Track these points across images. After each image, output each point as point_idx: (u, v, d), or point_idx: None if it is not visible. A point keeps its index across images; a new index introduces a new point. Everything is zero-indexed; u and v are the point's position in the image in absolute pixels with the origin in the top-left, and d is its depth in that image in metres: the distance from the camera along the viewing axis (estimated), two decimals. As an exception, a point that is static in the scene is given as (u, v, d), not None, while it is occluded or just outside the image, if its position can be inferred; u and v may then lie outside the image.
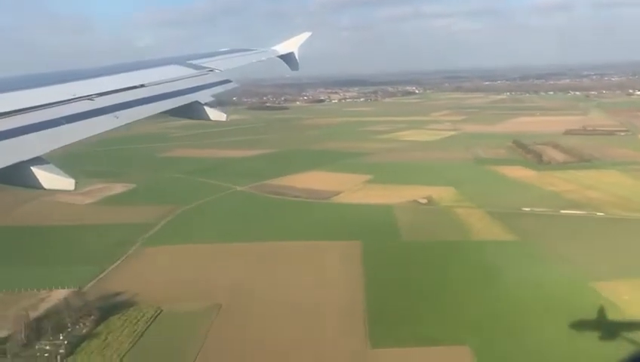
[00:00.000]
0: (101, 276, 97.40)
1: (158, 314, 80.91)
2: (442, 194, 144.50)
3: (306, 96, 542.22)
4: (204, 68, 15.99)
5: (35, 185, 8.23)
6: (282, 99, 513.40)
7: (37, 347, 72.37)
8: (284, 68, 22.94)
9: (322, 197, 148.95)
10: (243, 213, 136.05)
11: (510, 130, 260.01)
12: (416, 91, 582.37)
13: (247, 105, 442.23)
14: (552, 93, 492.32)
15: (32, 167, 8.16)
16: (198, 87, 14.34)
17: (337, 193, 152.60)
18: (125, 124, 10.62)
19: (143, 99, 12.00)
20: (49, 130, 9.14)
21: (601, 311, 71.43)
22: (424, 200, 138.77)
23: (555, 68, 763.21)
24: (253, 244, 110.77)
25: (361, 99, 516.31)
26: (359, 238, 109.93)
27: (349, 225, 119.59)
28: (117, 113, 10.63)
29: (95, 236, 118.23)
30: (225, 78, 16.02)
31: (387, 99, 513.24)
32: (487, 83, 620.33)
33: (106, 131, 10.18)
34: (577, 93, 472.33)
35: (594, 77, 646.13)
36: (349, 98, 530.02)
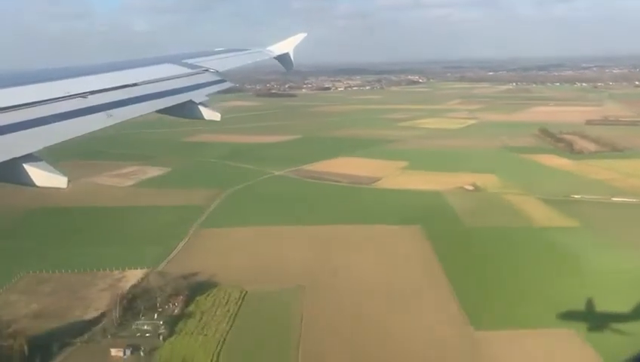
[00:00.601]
0: (170, 257, 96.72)
1: (244, 294, 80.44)
2: (485, 181, 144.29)
3: (310, 83, 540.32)
4: (199, 67, 16.04)
5: (27, 182, 8.17)
6: (287, 86, 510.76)
7: (134, 327, 71.85)
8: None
9: (364, 183, 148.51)
10: (290, 196, 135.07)
11: (529, 120, 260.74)
12: (420, 80, 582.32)
13: (253, 92, 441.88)
14: (557, 84, 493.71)
15: (24, 164, 8.13)
16: (192, 86, 14.36)
17: (377, 179, 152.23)
18: (118, 123, 10.64)
19: (137, 97, 12.02)
20: (41, 127, 9.10)
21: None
22: (470, 187, 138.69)
23: (553, 60, 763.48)
24: (312, 227, 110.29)
25: (367, 88, 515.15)
26: (418, 223, 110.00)
27: (404, 210, 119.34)
28: (110, 111, 10.67)
29: (150, 217, 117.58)
30: (220, 78, 15.98)
31: (393, 88, 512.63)
32: (490, 73, 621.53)
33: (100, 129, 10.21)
34: (583, 84, 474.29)
35: (594, 69, 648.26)
36: (355, 86, 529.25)
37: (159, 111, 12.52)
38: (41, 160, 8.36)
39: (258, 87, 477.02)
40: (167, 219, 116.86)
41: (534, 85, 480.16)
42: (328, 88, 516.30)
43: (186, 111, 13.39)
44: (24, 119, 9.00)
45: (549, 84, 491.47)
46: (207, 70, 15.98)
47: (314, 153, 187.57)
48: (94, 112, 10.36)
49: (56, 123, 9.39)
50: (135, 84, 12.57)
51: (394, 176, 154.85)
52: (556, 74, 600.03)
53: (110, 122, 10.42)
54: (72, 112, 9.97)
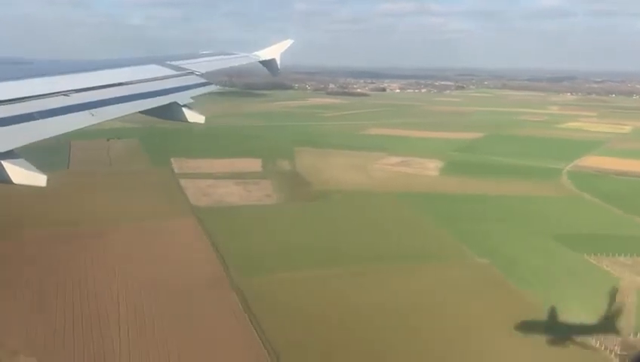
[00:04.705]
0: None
1: None
2: None
3: (357, 85, 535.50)
4: (184, 69, 16.20)
5: (5, 179, 7.98)
6: (331, 86, 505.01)
7: None
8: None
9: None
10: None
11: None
12: (464, 86, 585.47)
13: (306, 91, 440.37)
14: (613, 95, 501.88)
15: (2, 161, 7.99)
16: (177, 88, 14.42)
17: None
18: (100, 122, 10.52)
19: (121, 97, 11.98)
20: (22, 124, 8.92)
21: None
22: None
23: (552, 72, 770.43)
24: None
25: (424, 90, 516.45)
26: None
27: None
28: (93, 110, 10.56)
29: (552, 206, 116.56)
30: (205, 81, 16.12)
31: (447, 92, 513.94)
32: (525, 82, 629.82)
33: (80, 128, 10.04)
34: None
35: (611, 83, 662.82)
36: (408, 89, 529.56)
37: (143, 112, 12.34)
38: (20, 157, 8.10)
39: (308, 86, 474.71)
40: (557, 209, 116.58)
41: (593, 95, 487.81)
42: (384, 89, 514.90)
43: (170, 113, 13.28)
44: (3, 116, 8.69)
45: (612, 95, 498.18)
46: (192, 72, 16.03)
47: (550, 150, 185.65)
48: (77, 111, 10.15)
49: (37, 120, 9.12)
50: (120, 84, 12.48)
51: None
52: (587, 85, 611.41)
53: (92, 121, 10.20)
54: (54, 110, 9.69)
